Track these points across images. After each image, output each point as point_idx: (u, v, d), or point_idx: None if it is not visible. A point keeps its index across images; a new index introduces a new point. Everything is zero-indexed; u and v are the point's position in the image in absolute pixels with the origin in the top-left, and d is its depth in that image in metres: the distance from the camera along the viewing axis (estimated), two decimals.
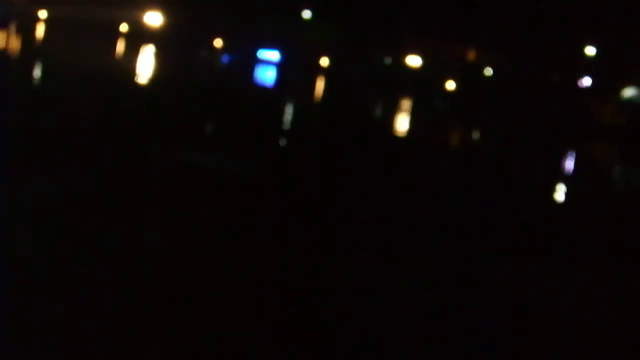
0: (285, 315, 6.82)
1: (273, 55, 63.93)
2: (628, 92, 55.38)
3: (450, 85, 61.07)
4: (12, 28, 46.99)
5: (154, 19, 66.58)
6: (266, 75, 51.58)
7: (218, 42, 65.36)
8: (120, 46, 53.33)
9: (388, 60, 64.40)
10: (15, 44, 36.92)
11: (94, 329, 5.87)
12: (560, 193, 19.81)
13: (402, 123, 34.19)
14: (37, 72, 25.72)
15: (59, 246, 7.62)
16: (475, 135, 35.84)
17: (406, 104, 47.60)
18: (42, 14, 65.16)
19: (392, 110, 40.47)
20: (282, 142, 20.08)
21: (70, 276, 6.87)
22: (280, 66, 61.00)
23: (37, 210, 8.66)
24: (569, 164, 29.00)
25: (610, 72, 56.01)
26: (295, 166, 15.40)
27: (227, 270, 7.88)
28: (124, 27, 65.66)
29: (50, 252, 7.39)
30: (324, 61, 63.88)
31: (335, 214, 11.45)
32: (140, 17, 66.42)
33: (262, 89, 41.07)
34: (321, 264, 8.72)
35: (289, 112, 28.86)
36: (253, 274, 7.85)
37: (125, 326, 6.02)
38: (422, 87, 56.86)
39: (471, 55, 63.55)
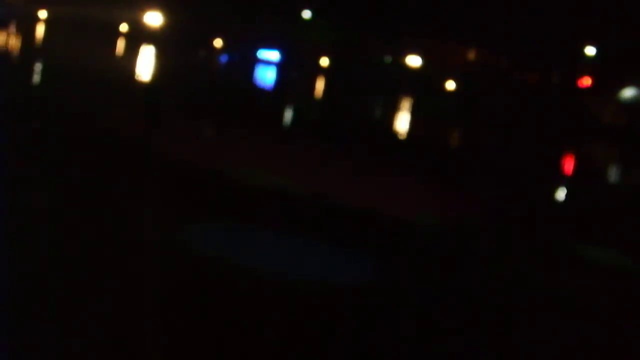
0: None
1: (273, 55, 63.97)
2: (628, 92, 55.40)
3: (450, 85, 61.11)
4: (12, 28, 46.99)
5: (154, 19, 66.59)
6: (266, 75, 51.58)
7: (218, 42, 65.38)
8: (120, 46, 53.33)
9: (388, 60, 64.45)
10: (15, 44, 36.91)
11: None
12: (559, 193, 19.82)
13: (401, 122, 34.18)
14: (36, 72, 25.71)
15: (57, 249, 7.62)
16: (475, 135, 35.83)
17: (406, 103, 47.62)
18: (42, 14, 65.20)
19: (391, 110, 40.49)
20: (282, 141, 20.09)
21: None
22: (280, 66, 61.02)
23: (35, 212, 8.66)
24: (569, 164, 29.00)
25: (610, 72, 56.01)
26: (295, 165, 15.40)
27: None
28: (124, 27, 65.68)
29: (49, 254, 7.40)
30: (324, 61, 63.94)
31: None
32: (140, 17, 66.43)
33: (262, 89, 41.08)
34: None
35: (288, 111, 28.89)
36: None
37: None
38: (421, 86, 56.90)
39: (471, 55, 63.59)
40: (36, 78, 24.11)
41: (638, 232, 14.22)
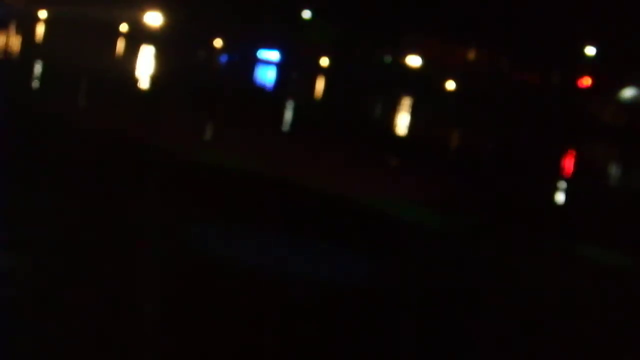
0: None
1: (273, 55, 63.94)
2: (628, 92, 55.38)
3: (450, 85, 61.10)
4: (12, 28, 46.98)
5: (154, 19, 66.58)
6: (266, 75, 51.57)
7: (218, 42, 65.38)
8: (120, 46, 53.31)
9: (388, 60, 64.45)
10: (15, 44, 36.90)
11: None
12: (559, 193, 19.82)
13: (401, 122, 34.16)
14: (36, 72, 25.71)
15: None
16: (474, 135, 35.82)
17: (406, 103, 47.61)
18: (42, 14, 65.19)
19: (391, 110, 40.46)
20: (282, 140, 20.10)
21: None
22: (281, 66, 61.01)
23: (36, 212, 8.67)
24: (569, 164, 29.00)
25: (610, 72, 55.99)
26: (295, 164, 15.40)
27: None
28: (124, 27, 65.66)
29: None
30: (324, 61, 63.93)
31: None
32: (140, 17, 66.40)
33: (262, 89, 41.05)
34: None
35: (288, 111, 28.89)
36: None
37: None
38: (421, 86, 56.89)
39: (471, 55, 63.56)
40: (36, 78, 24.11)
41: (638, 232, 14.22)
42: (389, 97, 49.52)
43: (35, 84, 22.70)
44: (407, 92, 53.35)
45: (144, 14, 66.46)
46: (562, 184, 21.29)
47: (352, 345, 6.44)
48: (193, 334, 6.01)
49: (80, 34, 50.25)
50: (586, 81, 58.68)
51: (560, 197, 19.03)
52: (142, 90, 27.08)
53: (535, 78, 59.47)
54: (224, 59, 62.28)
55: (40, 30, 53.98)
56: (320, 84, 51.98)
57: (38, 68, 26.79)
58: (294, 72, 56.98)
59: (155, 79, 32.21)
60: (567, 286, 9.60)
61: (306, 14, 66.75)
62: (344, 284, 7.98)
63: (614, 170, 30.29)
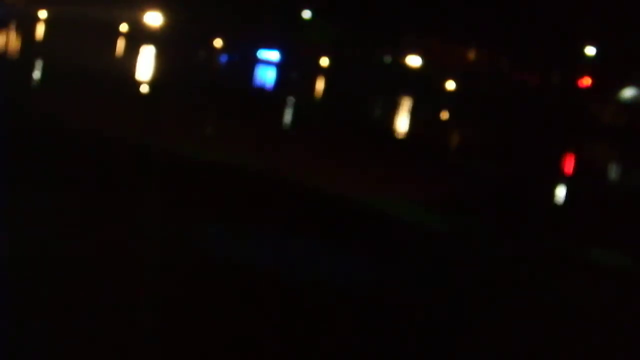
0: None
1: (273, 55, 63.96)
2: (628, 92, 55.39)
3: (450, 85, 61.11)
4: (12, 28, 46.99)
5: (154, 19, 66.60)
6: (266, 75, 51.58)
7: (218, 42, 65.40)
8: (120, 46, 53.33)
9: (388, 60, 64.46)
10: (15, 44, 36.91)
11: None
12: (559, 193, 19.81)
13: (402, 122, 34.17)
14: (36, 72, 25.71)
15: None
16: (474, 135, 35.81)
17: (406, 103, 47.62)
18: (42, 14, 65.22)
19: (391, 110, 40.48)
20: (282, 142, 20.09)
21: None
22: (280, 66, 61.02)
23: (38, 212, 8.66)
24: (569, 164, 28.99)
25: (610, 72, 55.99)
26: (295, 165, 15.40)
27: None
28: (124, 27, 65.68)
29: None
30: (324, 61, 63.95)
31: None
32: (140, 17, 66.42)
33: (262, 89, 41.06)
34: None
35: (288, 111, 28.90)
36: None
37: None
38: (421, 86, 56.91)
39: (471, 55, 63.57)
40: (36, 78, 24.11)
41: (638, 232, 14.22)
42: (389, 97, 49.54)
43: (35, 84, 22.71)
44: (407, 92, 53.36)
45: (144, 14, 66.46)
46: (562, 184, 21.28)
47: (352, 345, 6.44)
48: (193, 334, 6.02)
49: (80, 34, 50.27)
50: (586, 81, 58.68)
51: (560, 197, 19.02)
52: (142, 90, 27.07)
53: (535, 78, 59.47)
54: (224, 59, 62.28)
55: (40, 30, 53.99)
56: (320, 84, 52.00)
57: (38, 68, 26.80)
58: (294, 72, 56.99)
59: (155, 79, 32.21)
60: (567, 286, 9.60)
61: (306, 14, 66.75)
62: (344, 284, 7.97)
63: (614, 170, 30.28)
